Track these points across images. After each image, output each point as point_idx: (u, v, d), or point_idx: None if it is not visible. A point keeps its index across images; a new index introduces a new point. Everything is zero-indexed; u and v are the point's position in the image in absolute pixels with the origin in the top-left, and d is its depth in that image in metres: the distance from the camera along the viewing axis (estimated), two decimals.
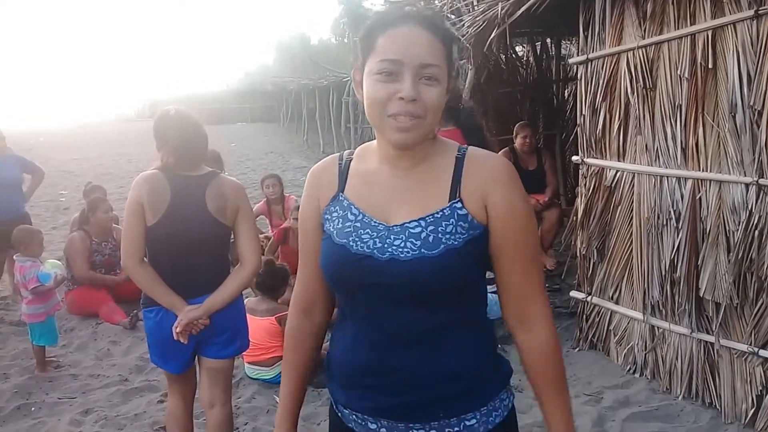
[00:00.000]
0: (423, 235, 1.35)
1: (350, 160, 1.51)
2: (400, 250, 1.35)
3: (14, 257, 4.68)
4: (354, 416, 1.49)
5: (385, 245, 1.37)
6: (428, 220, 1.36)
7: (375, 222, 1.40)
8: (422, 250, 1.34)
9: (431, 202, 1.38)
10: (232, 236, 2.83)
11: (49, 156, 18.16)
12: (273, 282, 4.30)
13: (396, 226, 1.38)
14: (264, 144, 22.62)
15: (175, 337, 2.65)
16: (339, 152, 1.58)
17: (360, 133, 15.47)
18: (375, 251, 1.37)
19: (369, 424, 1.46)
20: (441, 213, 1.36)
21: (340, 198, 1.47)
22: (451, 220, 1.35)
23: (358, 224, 1.41)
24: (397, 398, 1.40)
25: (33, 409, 4.02)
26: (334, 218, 1.46)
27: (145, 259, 2.71)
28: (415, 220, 1.37)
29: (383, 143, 1.42)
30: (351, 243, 1.40)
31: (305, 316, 1.59)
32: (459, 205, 1.37)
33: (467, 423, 1.42)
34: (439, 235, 1.34)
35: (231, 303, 2.78)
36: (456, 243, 1.34)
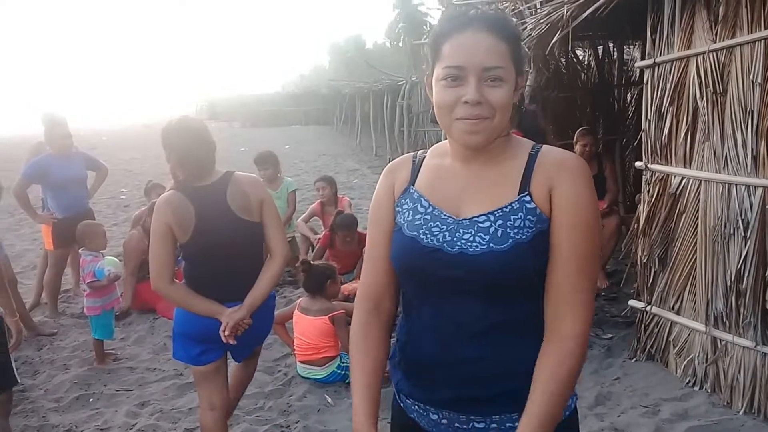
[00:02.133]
0: (492, 229, 1.36)
1: (424, 157, 1.55)
2: (469, 244, 1.36)
3: (79, 251, 4.79)
4: (416, 406, 1.50)
5: (455, 239, 1.38)
6: (497, 215, 1.37)
7: (445, 215, 1.42)
8: (491, 244, 1.34)
9: (501, 196, 1.39)
10: None
11: (111, 155, 18.69)
12: (316, 281, 4.31)
13: (465, 219, 1.39)
14: (318, 147, 22.82)
15: (225, 341, 2.68)
16: (405, 153, 1.59)
17: (414, 136, 15.46)
18: (444, 244, 1.39)
19: (431, 414, 1.48)
20: (510, 207, 1.37)
21: (411, 191, 1.50)
22: (520, 214, 1.35)
23: (428, 216, 1.44)
24: (460, 390, 1.40)
25: (91, 400, 4.13)
26: (404, 210, 1.48)
27: (177, 280, 2.74)
28: (484, 214, 1.38)
29: (454, 143, 1.44)
30: (421, 235, 1.42)
31: (373, 312, 1.57)
32: (528, 198, 1.36)
33: None
34: (508, 230, 1.34)
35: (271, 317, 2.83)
36: (524, 237, 1.34)
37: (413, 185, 1.50)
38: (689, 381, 3.85)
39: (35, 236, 8.49)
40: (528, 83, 5.29)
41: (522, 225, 1.35)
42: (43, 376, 4.51)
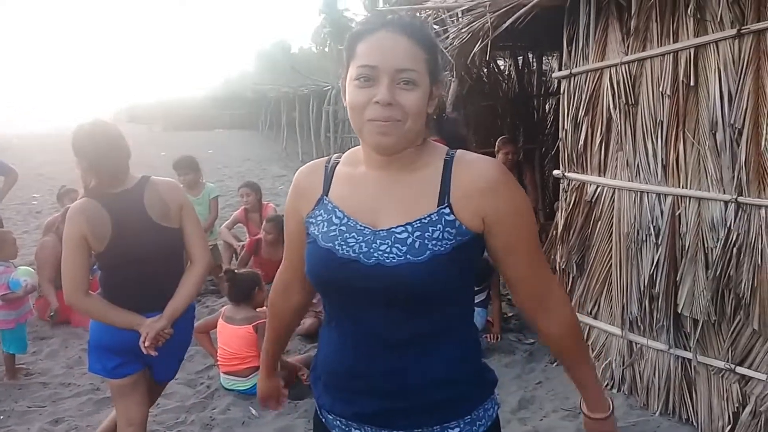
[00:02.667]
0: (409, 240, 1.34)
1: (337, 164, 1.51)
2: (386, 255, 1.34)
3: None
4: (338, 422, 1.48)
5: (371, 250, 1.36)
6: (415, 225, 1.35)
7: (361, 226, 1.40)
8: (408, 256, 1.33)
9: (418, 207, 1.37)
10: None
11: (23, 158, 17.85)
12: (241, 290, 4.23)
13: (382, 230, 1.37)
14: (242, 151, 22.47)
15: (145, 352, 2.57)
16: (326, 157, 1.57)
17: (340, 142, 15.45)
18: (361, 256, 1.36)
19: (353, 430, 1.46)
20: (428, 218, 1.36)
21: (325, 201, 1.47)
22: (438, 225, 1.35)
23: (343, 228, 1.41)
24: (381, 403, 1.39)
25: (2, 417, 3.93)
26: (318, 222, 1.45)
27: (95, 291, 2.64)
28: (401, 225, 1.36)
29: (367, 149, 1.42)
30: (336, 247, 1.39)
31: (284, 293, 1.69)
32: (447, 210, 1.36)
33: (450, 431, 1.42)
34: (426, 241, 1.33)
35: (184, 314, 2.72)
36: (442, 249, 1.33)
37: (326, 195, 1.47)
38: (607, 384, 3.97)
39: None
40: (450, 92, 5.36)
41: (440, 237, 1.34)
42: None
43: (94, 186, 2.58)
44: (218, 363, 4.23)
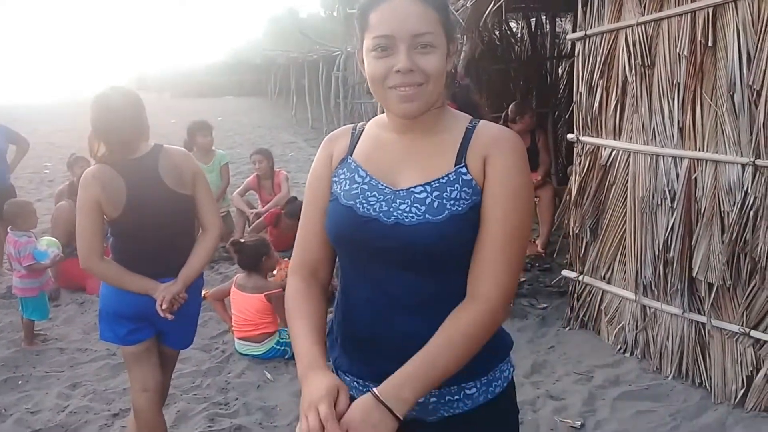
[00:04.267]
0: (428, 200, 1.35)
1: (363, 128, 1.53)
2: (405, 214, 1.36)
3: (8, 230, 4.60)
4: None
5: (391, 209, 1.37)
6: (433, 185, 1.36)
7: (382, 185, 1.41)
8: (426, 215, 1.34)
9: (437, 167, 1.38)
10: None
11: (33, 128, 17.91)
12: (250, 259, 4.25)
13: (402, 190, 1.39)
14: (252, 119, 22.41)
15: (162, 315, 2.57)
16: (341, 125, 1.57)
17: (350, 108, 15.34)
18: (381, 214, 1.38)
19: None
20: (446, 178, 1.37)
21: (349, 161, 1.48)
22: (456, 185, 1.36)
23: (365, 186, 1.42)
24: (398, 364, 1.37)
25: (20, 382, 3.99)
26: (341, 180, 1.47)
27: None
28: (420, 185, 1.38)
29: (391, 114, 1.43)
30: (358, 205, 1.41)
31: (310, 279, 1.52)
32: (464, 170, 1.37)
33: (467, 391, 1.44)
34: (444, 201, 1.35)
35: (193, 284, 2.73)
36: (460, 209, 1.34)
37: (351, 155, 1.49)
38: (620, 348, 3.99)
39: None
40: (462, 55, 5.29)
41: (458, 197, 1.35)
42: None
43: (105, 153, 2.58)
44: (232, 329, 4.27)
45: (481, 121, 1.44)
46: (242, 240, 4.36)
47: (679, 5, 3.39)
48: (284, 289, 1.61)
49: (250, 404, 3.59)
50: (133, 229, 2.59)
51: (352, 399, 1.48)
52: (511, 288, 1.38)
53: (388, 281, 1.40)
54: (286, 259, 5.54)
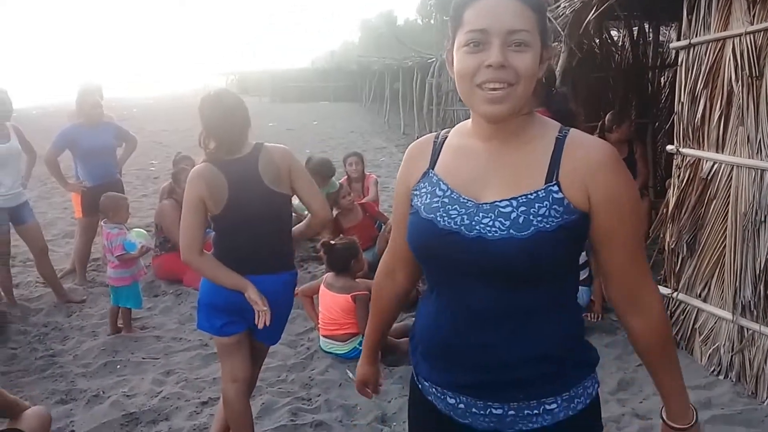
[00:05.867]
0: (513, 215, 1.31)
1: (446, 138, 1.51)
2: (488, 228, 1.33)
3: (101, 223, 4.84)
4: (434, 389, 1.49)
5: (473, 222, 1.35)
6: (520, 200, 1.32)
7: (464, 199, 1.39)
8: (511, 230, 1.31)
9: (525, 181, 1.34)
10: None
11: (140, 127, 18.87)
12: (338, 260, 4.32)
13: (486, 204, 1.36)
14: (346, 123, 22.78)
15: (262, 322, 2.70)
16: (433, 132, 1.59)
17: (443, 115, 15.34)
18: (462, 228, 1.36)
19: (448, 398, 1.46)
20: (535, 194, 1.32)
21: (430, 174, 1.47)
22: (546, 202, 1.31)
23: (446, 200, 1.41)
24: (477, 375, 1.39)
25: (119, 366, 4.22)
26: (422, 193, 1.46)
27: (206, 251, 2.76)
28: (506, 200, 1.34)
29: (476, 118, 1.40)
30: (438, 218, 1.39)
31: (386, 278, 1.72)
32: (555, 188, 1.32)
33: (548, 407, 1.40)
34: (531, 217, 1.30)
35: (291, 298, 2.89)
36: (548, 226, 1.30)
37: (432, 168, 1.47)
38: (714, 370, 3.81)
39: (66, 204, 8.63)
40: (560, 63, 5.21)
41: (546, 214, 1.31)
42: (72, 342, 4.61)
43: (213, 150, 2.73)
44: (318, 327, 4.36)
45: (572, 131, 1.38)
46: (333, 242, 4.45)
47: None
48: (370, 292, 1.75)
49: (331, 401, 3.66)
50: (233, 225, 2.71)
51: (429, 402, 1.52)
52: (660, 299, 1.44)
53: (468, 293, 1.39)
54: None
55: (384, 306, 1.75)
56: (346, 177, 7.01)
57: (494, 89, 1.28)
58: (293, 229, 2.96)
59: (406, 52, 20.33)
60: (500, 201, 1.34)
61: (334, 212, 5.95)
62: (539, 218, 1.30)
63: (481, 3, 1.30)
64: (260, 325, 2.70)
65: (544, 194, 1.32)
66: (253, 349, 2.94)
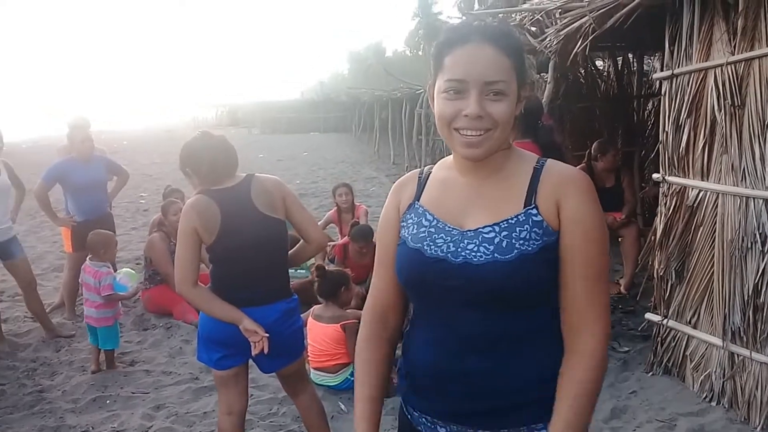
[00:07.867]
0: (497, 240, 1.36)
1: (430, 173, 1.56)
2: (474, 254, 1.37)
3: (87, 260, 4.77)
4: (424, 419, 1.50)
5: (459, 249, 1.39)
6: (502, 226, 1.37)
7: (449, 227, 1.43)
8: (495, 254, 1.35)
9: (506, 208, 1.39)
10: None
11: (131, 159, 18.90)
12: (330, 287, 4.31)
13: (470, 231, 1.40)
14: (336, 154, 22.91)
15: (258, 350, 2.70)
16: (422, 161, 1.60)
17: (432, 145, 15.46)
18: (449, 255, 1.39)
19: (438, 428, 1.47)
20: (516, 219, 1.37)
21: (416, 206, 1.51)
22: (526, 226, 1.36)
23: (432, 229, 1.44)
24: (466, 403, 1.40)
25: (108, 401, 4.17)
26: (409, 224, 1.49)
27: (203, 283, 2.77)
28: (489, 226, 1.38)
29: (457, 155, 1.45)
30: (425, 247, 1.43)
31: (378, 324, 1.59)
32: (534, 211, 1.37)
33: None
34: (513, 241, 1.35)
35: (296, 324, 2.88)
36: (530, 249, 1.34)
37: (418, 200, 1.51)
38: (706, 396, 3.81)
39: (55, 238, 8.60)
40: (546, 94, 5.29)
41: (528, 237, 1.35)
42: (60, 377, 4.56)
43: (201, 182, 2.76)
44: (308, 359, 4.34)
45: (549, 161, 1.44)
46: (326, 267, 4.45)
47: None
48: (359, 321, 1.66)
49: None
50: (227, 254, 2.72)
51: None
52: (607, 334, 1.39)
53: (457, 320, 1.40)
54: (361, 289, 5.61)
55: (379, 357, 1.56)
56: (335, 208, 7.02)
57: (471, 135, 1.35)
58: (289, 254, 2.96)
59: (395, 83, 20.51)
60: (483, 227, 1.39)
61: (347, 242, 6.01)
62: (521, 241, 1.34)
63: (459, 51, 1.35)
64: (254, 353, 2.70)
65: (524, 218, 1.37)
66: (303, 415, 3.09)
